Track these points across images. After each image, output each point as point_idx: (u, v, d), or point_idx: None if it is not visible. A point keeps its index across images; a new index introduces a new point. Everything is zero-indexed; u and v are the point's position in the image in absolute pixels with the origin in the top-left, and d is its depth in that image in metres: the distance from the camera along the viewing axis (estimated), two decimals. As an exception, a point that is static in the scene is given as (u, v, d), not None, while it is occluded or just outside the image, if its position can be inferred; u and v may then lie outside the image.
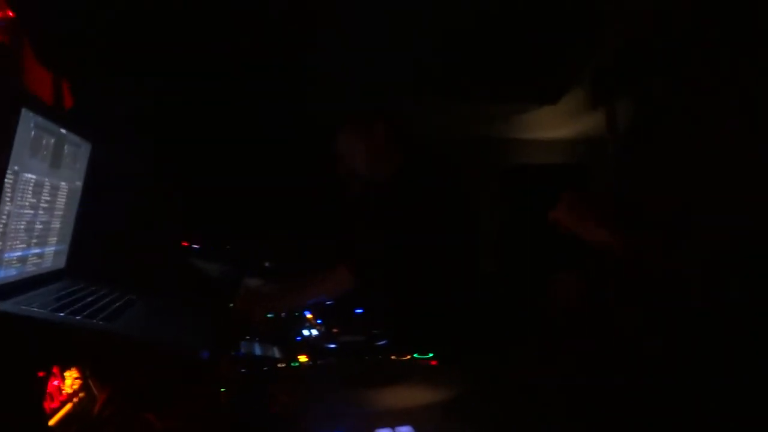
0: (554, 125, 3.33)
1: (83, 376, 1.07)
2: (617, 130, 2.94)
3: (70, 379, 1.05)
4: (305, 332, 1.66)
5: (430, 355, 1.41)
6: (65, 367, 1.01)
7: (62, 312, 1.04)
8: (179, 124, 2.19)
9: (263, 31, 2.13)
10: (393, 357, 1.43)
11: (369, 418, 1.00)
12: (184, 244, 2.13)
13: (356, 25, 2.21)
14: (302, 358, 1.43)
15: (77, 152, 1.34)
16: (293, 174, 2.55)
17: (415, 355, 1.41)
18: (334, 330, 1.68)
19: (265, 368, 1.34)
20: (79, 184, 1.39)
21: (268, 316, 1.76)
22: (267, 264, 2.47)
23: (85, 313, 1.07)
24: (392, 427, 0.98)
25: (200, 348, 1.08)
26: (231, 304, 1.83)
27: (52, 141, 1.17)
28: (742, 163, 0.96)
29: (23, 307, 1.00)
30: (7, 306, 0.99)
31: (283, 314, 1.83)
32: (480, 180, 3.34)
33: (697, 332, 0.97)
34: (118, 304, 1.21)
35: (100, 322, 1.04)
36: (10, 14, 1.57)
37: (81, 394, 1.03)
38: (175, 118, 2.15)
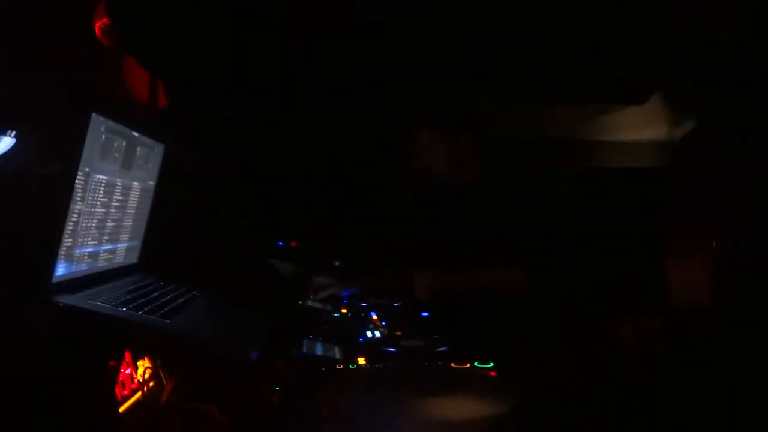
0: (640, 126, 3.16)
1: (154, 366, 1.13)
2: (696, 135, 2.76)
3: (142, 368, 1.10)
4: (368, 333, 1.65)
5: (491, 365, 1.38)
6: (137, 357, 1.06)
7: (125, 307, 1.09)
8: (253, 128, 2.25)
9: (340, 38, 2.16)
10: (452, 365, 1.40)
11: (419, 428, 0.99)
12: (293, 244, 2.20)
13: (430, 28, 2.20)
14: (361, 361, 1.42)
15: (150, 153, 1.41)
16: (362, 175, 2.57)
17: (476, 364, 1.38)
18: (397, 333, 1.67)
19: (322, 369, 1.35)
20: (152, 183, 1.46)
21: (335, 315, 1.78)
22: (337, 263, 2.50)
23: (146, 309, 1.12)
24: None
25: (250, 349, 1.10)
26: (300, 301, 1.87)
27: (124, 143, 1.24)
28: None
29: (89, 301, 1.06)
30: (73, 299, 1.05)
31: (349, 314, 1.84)
32: (557, 184, 3.23)
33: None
34: (181, 300, 1.26)
35: (157, 318, 1.09)
36: (108, 21, 1.68)
37: (151, 383, 1.08)
38: (250, 121, 2.22)
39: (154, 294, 1.25)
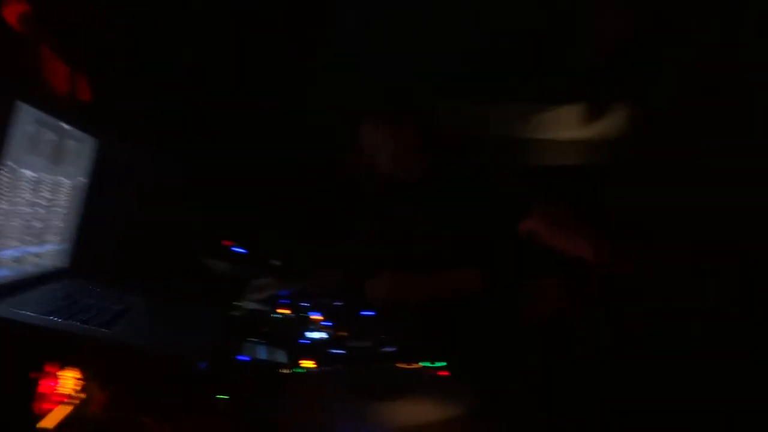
0: (573, 125, 3.24)
1: (84, 378, 1.04)
2: (631, 132, 2.85)
3: (70, 380, 1.01)
4: (311, 335, 1.60)
5: (439, 364, 1.35)
6: (62, 368, 0.97)
7: (56, 316, 0.99)
8: (187, 123, 2.14)
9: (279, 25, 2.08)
10: (400, 365, 1.37)
11: None
12: (226, 243, 2.08)
13: (380, 23, 2.16)
14: (308, 364, 1.37)
15: (81, 148, 1.29)
16: (304, 172, 2.49)
17: (424, 364, 1.36)
18: (342, 333, 1.62)
19: (269, 375, 1.29)
20: (82, 180, 1.35)
21: (275, 316, 1.72)
22: (275, 263, 2.42)
23: (81, 317, 1.02)
24: None
25: (197, 358, 1.03)
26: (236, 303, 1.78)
27: (54, 136, 1.12)
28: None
29: (13, 310, 0.95)
30: (-2, 309, 0.95)
31: (291, 314, 1.78)
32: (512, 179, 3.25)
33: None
34: (118, 307, 1.16)
35: (94, 328, 0.99)
36: (27, 7, 1.54)
37: (81, 395, 0.99)
38: (184, 116, 2.10)
39: (89, 301, 1.15)
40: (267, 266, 2.25)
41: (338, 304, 1.84)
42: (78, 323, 0.99)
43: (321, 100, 2.45)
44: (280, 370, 1.31)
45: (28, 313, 0.97)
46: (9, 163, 0.97)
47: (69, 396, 0.97)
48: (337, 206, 2.51)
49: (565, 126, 3.20)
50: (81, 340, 0.95)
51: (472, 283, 1.64)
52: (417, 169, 1.82)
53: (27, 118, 1.00)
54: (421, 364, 1.34)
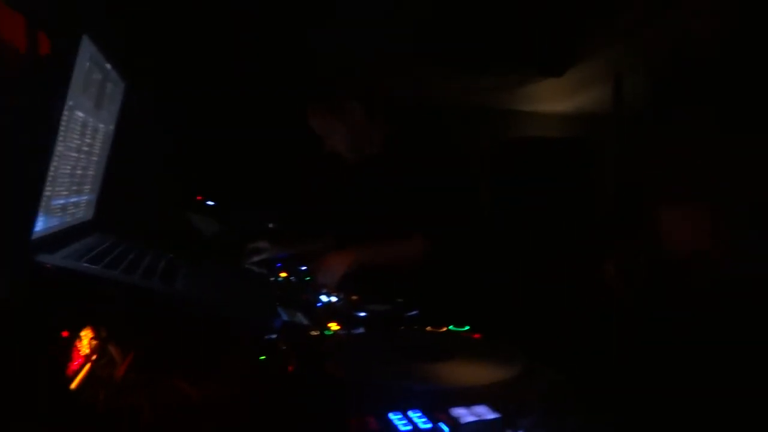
0: (556, 98, 3.30)
1: (98, 337, 0.98)
2: (622, 106, 2.94)
3: (86, 340, 0.95)
4: (324, 298, 1.57)
5: (467, 327, 1.36)
6: (81, 327, 0.92)
7: (117, 270, 0.92)
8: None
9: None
10: (429, 329, 1.36)
11: (439, 396, 0.94)
12: (198, 198, 2.00)
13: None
14: (333, 326, 1.35)
15: (116, 92, 1.20)
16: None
17: (451, 327, 1.36)
18: (353, 297, 1.60)
19: (303, 335, 1.26)
20: (112, 128, 1.25)
21: (277, 279, 1.68)
22: (270, 226, 2.37)
23: (139, 273, 0.96)
24: (468, 405, 0.93)
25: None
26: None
27: (100, 77, 1.03)
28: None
29: (77, 262, 0.88)
30: (57, 260, 0.87)
31: (292, 278, 1.75)
32: (479, 151, 3.29)
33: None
34: (163, 264, 1.10)
35: (157, 283, 0.93)
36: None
37: (94, 356, 0.94)
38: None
39: (131, 256, 1.07)
40: (262, 229, 2.20)
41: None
42: (140, 278, 0.92)
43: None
44: (308, 332, 1.28)
45: (87, 264, 0.90)
46: (70, 102, 0.89)
47: (85, 356, 0.92)
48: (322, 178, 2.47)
49: (547, 99, 3.27)
50: (153, 295, 0.89)
51: (415, 249, 1.68)
52: (373, 145, 1.82)
53: (85, 54, 0.91)
54: (448, 327, 1.34)
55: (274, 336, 1.09)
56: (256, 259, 1.89)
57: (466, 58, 2.88)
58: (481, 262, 1.88)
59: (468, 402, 0.85)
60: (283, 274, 1.76)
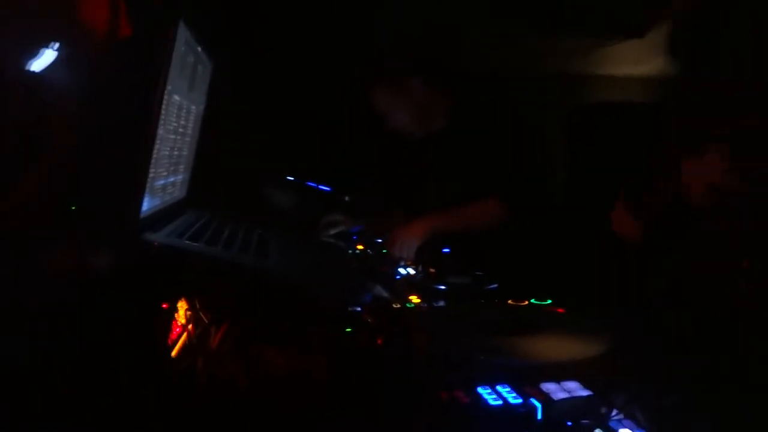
0: (636, 61, 3.14)
1: (192, 308, 1.03)
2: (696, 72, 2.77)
3: (182, 310, 1.00)
4: (402, 271, 1.59)
5: (549, 301, 1.34)
6: (177, 299, 0.97)
7: (216, 246, 0.97)
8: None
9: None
10: (510, 302, 1.35)
11: (528, 371, 0.94)
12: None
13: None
14: (414, 299, 1.36)
15: (205, 73, 1.24)
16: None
17: (533, 301, 1.34)
18: (431, 270, 1.61)
19: (383, 309, 1.28)
20: (202, 108, 1.30)
21: (354, 252, 1.71)
22: (346, 198, 2.40)
23: (235, 249, 1.00)
24: (557, 381, 0.92)
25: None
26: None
27: (192, 60, 1.07)
28: None
29: (181, 240, 0.93)
30: (163, 238, 0.93)
31: (369, 250, 1.76)
32: (552, 118, 3.19)
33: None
34: (255, 239, 1.14)
35: (255, 258, 0.98)
36: None
37: (190, 326, 0.99)
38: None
39: (226, 232, 1.12)
40: (338, 202, 2.23)
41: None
42: (237, 254, 0.97)
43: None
44: (390, 304, 1.30)
45: (189, 242, 0.95)
46: (168, 87, 0.93)
47: (182, 326, 0.97)
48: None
49: (627, 61, 3.12)
50: (252, 270, 0.93)
51: (492, 213, 1.65)
52: (437, 121, 1.78)
53: (181, 38, 0.95)
54: (530, 301, 1.33)
55: (359, 309, 1.12)
56: (332, 231, 1.92)
57: (538, 20, 2.79)
58: (557, 231, 1.84)
59: (557, 378, 0.85)
60: (360, 247, 1.79)
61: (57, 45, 1.00)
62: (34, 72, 1.00)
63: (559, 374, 0.93)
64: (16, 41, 0.98)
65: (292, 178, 2.28)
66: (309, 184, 2.14)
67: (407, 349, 1.03)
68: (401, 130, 1.82)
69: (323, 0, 2.12)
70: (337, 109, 2.44)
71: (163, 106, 0.92)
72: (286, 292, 0.98)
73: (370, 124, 2.44)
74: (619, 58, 3.15)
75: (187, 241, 0.94)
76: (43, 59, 1.01)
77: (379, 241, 1.84)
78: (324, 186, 2.15)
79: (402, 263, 1.63)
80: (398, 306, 1.30)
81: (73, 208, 0.98)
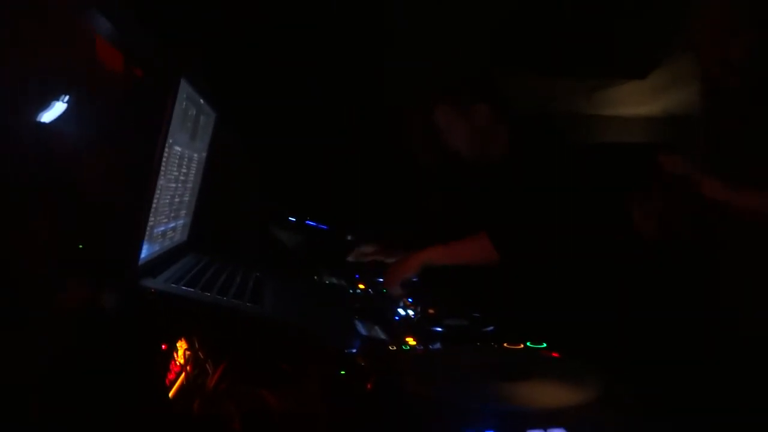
0: (639, 102, 3.19)
1: (191, 347, 1.05)
2: (710, 110, 2.80)
3: (181, 350, 1.02)
4: (401, 312, 1.60)
5: (544, 345, 1.35)
6: (177, 339, 0.99)
7: (210, 291, 1.01)
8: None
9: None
10: (506, 345, 1.36)
11: (515, 417, 0.95)
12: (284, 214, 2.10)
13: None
14: (410, 341, 1.37)
15: (208, 123, 1.30)
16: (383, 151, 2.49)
17: (528, 344, 1.35)
18: (430, 311, 1.62)
19: (379, 351, 1.29)
20: (204, 155, 1.35)
21: (355, 292, 1.72)
22: (349, 237, 2.43)
23: (231, 293, 1.04)
24: (544, 428, 0.93)
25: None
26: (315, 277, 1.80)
27: (195, 112, 1.13)
28: None
29: (176, 286, 0.97)
30: (159, 284, 0.96)
31: (370, 290, 1.78)
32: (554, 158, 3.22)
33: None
34: (251, 283, 1.18)
35: (248, 304, 1.01)
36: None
37: (188, 366, 1.01)
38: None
39: (223, 276, 1.16)
40: (341, 241, 2.26)
41: (414, 279, 1.84)
42: (233, 299, 1.00)
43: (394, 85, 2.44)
44: (388, 347, 1.32)
45: (185, 287, 0.98)
46: (169, 139, 0.98)
47: (180, 365, 0.99)
48: (409, 185, 2.51)
49: (629, 102, 3.16)
50: (238, 315, 0.96)
51: (483, 251, 1.65)
52: (495, 150, 1.81)
53: (182, 94, 1.00)
54: (525, 344, 1.34)
55: (354, 350, 1.13)
56: (367, 260, 1.95)
57: (540, 61, 2.84)
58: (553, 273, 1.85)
59: (544, 424, 0.86)
60: (361, 286, 1.81)
61: (67, 98, 1.05)
62: (45, 123, 1.05)
63: (546, 421, 0.94)
64: (34, 95, 1.03)
65: (293, 219, 2.32)
66: (308, 222, 2.17)
67: (396, 393, 1.05)
68: (455, 155, 1.86)
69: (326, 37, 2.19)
70: (349, 146, 2.50)
71: (164, 158, 0.97)
72: (279, 336, 1.01)
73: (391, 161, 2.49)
74: (620, 99, 3.20)
75: (183, 287, 0.97)
76: (53, 111, 1.06)
77: (380, 280, 1.86)
78: (322, 225, 2.18)
79: (401, 303, 1.65)
80: (394, 348, 1.32)
81: (80, 246, 1.02)
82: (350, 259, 1.90)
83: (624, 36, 2.61)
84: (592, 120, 3.41)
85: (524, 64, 2.83)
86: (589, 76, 2.99)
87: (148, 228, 0.96)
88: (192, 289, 0.98)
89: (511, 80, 2.96)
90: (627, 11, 2.41)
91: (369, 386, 1.10)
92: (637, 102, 3.23)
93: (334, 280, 1.89)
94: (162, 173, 0.98)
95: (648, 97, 3.16)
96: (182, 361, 1.01)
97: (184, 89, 1.00)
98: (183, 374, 0.99)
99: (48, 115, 1.05)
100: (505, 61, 2.76)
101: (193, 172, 1.26)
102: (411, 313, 1.60)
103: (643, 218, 1.39)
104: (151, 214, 0.96)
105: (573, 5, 2.42)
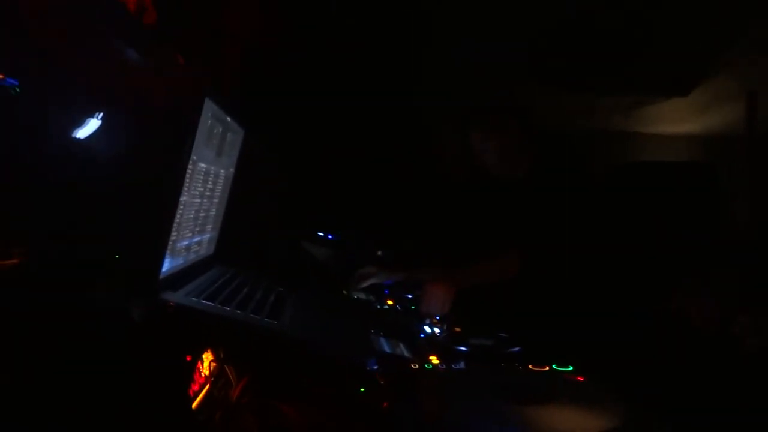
0: (681, 119, 3.12)
1: (217, 359, 1.07)
2: (755, 127, 2.72)
3: (207, 362, 1.04)
4: (427, 329, 1.59)
5: (570, 368, 1.32)
6: (202, 350, 1.00)
7: (230, 306, 1.02)
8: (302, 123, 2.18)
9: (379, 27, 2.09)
10: (531, 367, 1.34)
11: None
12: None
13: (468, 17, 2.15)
14: (434, 360, 1.36)
15: (235, 140, 1.33)
16: (412, 165, 2.50)
17: (554, 366, 1.32)
18: (456, 329, 1.61)
19: (402, 369, 1.29)
20: (232, 171, 1.38)
21: (383, 307, 1.72)
22: (379, 253, 2.43)
23: (250, 308, 1.05)
24: None
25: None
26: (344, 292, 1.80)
27: (221, 129, 1.15)
28: None
29: (196, 299, 0.99)
30: (179, 298, 0.98)
31: (398, 306, 1.78)
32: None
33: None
34: (272, 297, 1.19)
35: (266, 320, 1.02)
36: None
37: (212, 378, 1.02)
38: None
39: (245, 290, 1.18)
40: (371, 256, 2.27)
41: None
42: (248, 314, 1.02)
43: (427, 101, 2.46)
44: (409, 365, 1.31)
45: (205, 301, 1.00)
46: (193, 157, 1.00)
47: (206, 377, 1.00)
48: (436, 202, 2.51)
49: (671, 120, 3.09)
50: (256, 330, 0.98)
51: (508, 268, 1.64)
52: (523, 165, 1.82)
53: (207, 113, 1.03)
54: (551, 366, 1.31)
55: (375, 367, 1.13)
56: (365, 284, 1.95)
57: (581, 78, 2.81)
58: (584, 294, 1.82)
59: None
60: (390, 302, 1.80)
61: (100, 115, 1.09)
62: (79, 138, 1.09)
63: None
64: (75, 112, 1.07)
65: (322, 234, 2.34)
66: (318, 234, 2.19)
67: (414, 413, 1.05)
68: (486, 168, 1.88)
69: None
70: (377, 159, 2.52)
71: (188, 174, 0.99)
72: (297, 351, 1.02)
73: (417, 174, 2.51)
74: (661, 116, 3.14)
75: (203, 301, 0.99)
76: (89, 127, 1.10)
77: (409, 296, 1.86)
78: (330, 235, 2.20)
79: (428, 321, 1.64)
80: (416, 367, 1.31)
81: (117, 256, 1.05)
82: (354, 283, 1.90)
83: (666, 52, 2.57)
84: (630, 137, 3.36)
85: (562, 82, 2.81)
86: (629, 92, 2.95)
87: (170, 242, 0.98)
88: (212, 303, 1.00)
89: (549, 98, 2.94)
90: (668, 28, 2.37)
91: (385, 405, 1.10)
92: (677, 120, 3.17)
93: (363, 295, 1.89)
94: (186, 189, 1.01)
95: (689, 114, 3.09)
96: (207, 373, 1.03)
97: (209, 108, 1.03)
98: (207, 385, 1.01)
99: (83, 131, 1.09)
100: (544, 79, 2.75)
101: (220, 187, 1.29)
102: (437, 330, 1.59)
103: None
104: (173, 229, 0.99)
105: (611, 21, 2.40)
